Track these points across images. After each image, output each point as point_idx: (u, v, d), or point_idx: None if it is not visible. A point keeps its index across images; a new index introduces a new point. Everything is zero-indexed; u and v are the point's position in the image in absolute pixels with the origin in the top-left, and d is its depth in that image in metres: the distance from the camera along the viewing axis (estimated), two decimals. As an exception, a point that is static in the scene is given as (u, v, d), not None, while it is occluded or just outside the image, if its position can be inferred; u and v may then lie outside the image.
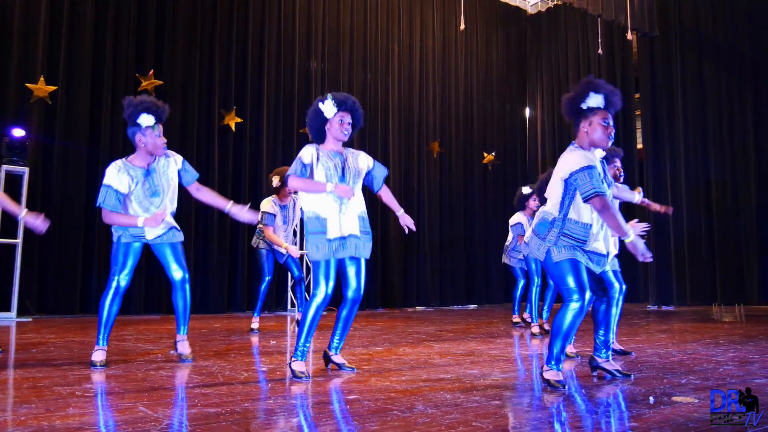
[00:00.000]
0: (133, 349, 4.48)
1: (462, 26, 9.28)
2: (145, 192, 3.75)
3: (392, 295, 10.39)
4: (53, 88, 7.78)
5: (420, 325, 6.91)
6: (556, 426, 2.40)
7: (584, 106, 3.21)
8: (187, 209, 8.21)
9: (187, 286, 3.94)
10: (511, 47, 13.13)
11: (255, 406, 2.64)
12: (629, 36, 9.42)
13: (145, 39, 8.61)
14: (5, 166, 7.08)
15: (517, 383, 3.36)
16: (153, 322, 6.93)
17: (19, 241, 7.12)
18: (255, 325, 6.03)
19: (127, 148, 8.31)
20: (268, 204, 5.90)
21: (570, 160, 3.14)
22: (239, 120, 9.22)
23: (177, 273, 3.89)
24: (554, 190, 3.23)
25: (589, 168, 3.06)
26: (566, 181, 3.14)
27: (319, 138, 3.61)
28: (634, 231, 3.74)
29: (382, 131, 10.87)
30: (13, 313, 6.99)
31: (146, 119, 3.69)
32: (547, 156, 12.55)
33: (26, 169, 7.24)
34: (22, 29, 7.70)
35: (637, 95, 11.24)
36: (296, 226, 7.76)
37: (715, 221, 10.16)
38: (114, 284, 3.72)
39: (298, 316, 5.65)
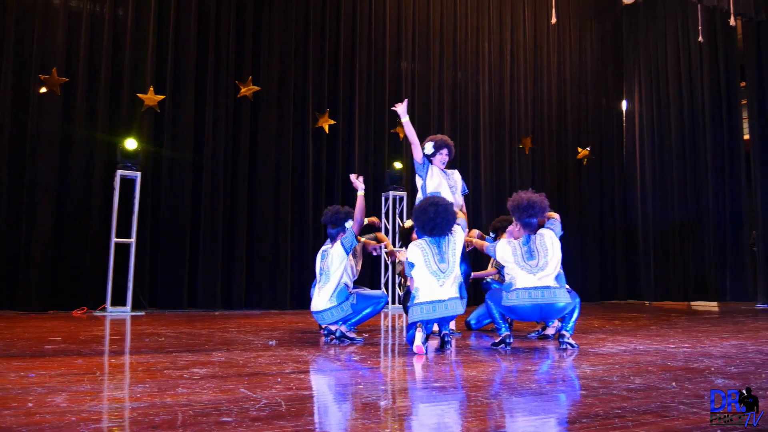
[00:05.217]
0: (236, 339, 4.76)
1: (554, 19, 9.11)
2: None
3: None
4: (161, 97, 8.33)
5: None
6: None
7: None
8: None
9: None
10: (606, 39, 12.77)
11: (345, 390, 2.77)
12: (732, 22, 8.94)
13: (243, 47, 9.04)
14: (120, 171, 7.66)
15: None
16: (253, 317, 7.29)
17: (132, 240, 7.67)
18: None
19: (240, 162, 8.77)
20: None
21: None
22: (332, 122, 9.49)
23: None
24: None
25: None
26: None
27: None
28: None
29: (473, 129, 10.86)
30: (128, 307, 7.55)
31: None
32: (646, 149, 12.10)
33: (138, 174, 7.79)
34: (133, 43, 8.29)
35: (743, 83, 10.63)
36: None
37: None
38: None
39: None
